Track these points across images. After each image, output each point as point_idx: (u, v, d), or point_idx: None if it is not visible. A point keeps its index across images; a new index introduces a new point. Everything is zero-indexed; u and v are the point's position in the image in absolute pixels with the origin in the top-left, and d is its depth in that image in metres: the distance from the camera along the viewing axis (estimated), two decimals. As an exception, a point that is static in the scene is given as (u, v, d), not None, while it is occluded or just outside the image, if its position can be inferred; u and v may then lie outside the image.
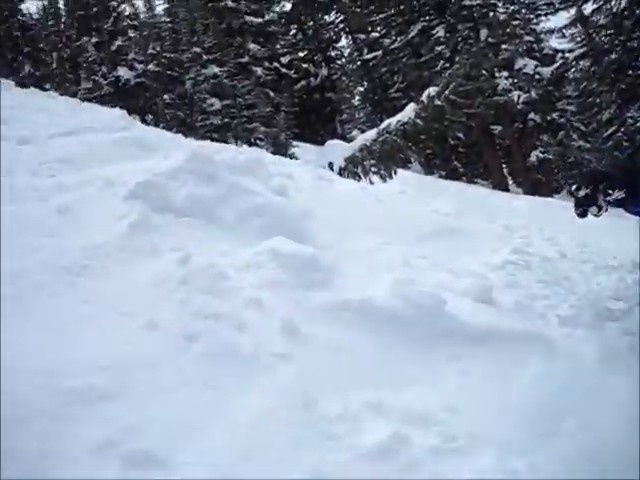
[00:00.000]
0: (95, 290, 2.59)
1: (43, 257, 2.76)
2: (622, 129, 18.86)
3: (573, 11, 19.15)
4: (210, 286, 2.66)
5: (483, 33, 21.91)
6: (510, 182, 23.63)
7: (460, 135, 22.86)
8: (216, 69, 20.44)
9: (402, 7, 24.48)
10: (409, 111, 13.44)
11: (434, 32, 23.23)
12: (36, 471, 1.69)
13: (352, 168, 11.69)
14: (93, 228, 3.14)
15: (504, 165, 24.41)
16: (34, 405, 1.88)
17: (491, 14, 22.41)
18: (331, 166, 12.14)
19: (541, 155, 23.11)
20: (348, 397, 2.12)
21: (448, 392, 2.30)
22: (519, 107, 21.85)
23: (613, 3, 17.37)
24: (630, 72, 17.62)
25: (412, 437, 1.97)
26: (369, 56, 27.59)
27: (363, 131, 16.88)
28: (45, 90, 14.75)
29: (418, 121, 15.22)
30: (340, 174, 11.71)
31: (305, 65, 28.47)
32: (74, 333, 2.28)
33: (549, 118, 22.97)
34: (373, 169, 11.77)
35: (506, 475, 1.92)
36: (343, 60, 31.12)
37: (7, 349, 2.03)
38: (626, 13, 17.20)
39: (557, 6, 20.05)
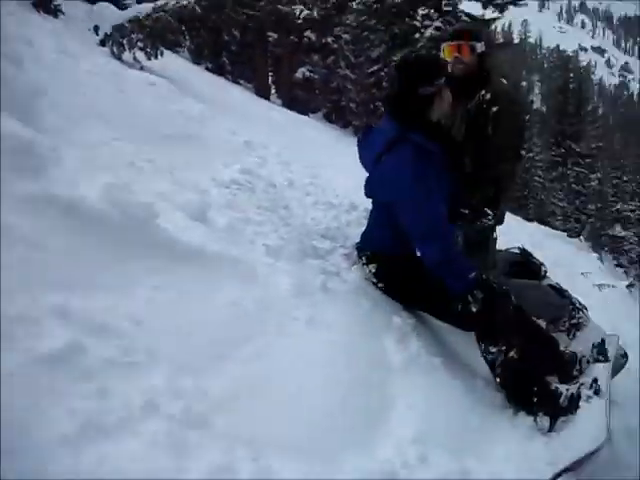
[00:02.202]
0: None
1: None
2: (385, 69, 20.00)
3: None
4: None
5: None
6: (273, 91, 23.91)
7: (236, 33, 22.55)
8: None
9: None
10: (190, -6, 12.95)
11: None
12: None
13: (118, 37, 11.01)
14: None
15: (271, 74, 24.57)
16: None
17: None
18: (96, 30, 11.33)
19: (307, 73, 23.66)
20: (35, 298, 2.03)
21: (137, 305, 2.31)
22: (299, 22, 21.96)
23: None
24: (406, 19, 18.47)
25: (89, 347, 1.99)
26: None
27: (140, 2, 15.80)
28: None
29: (197, 8, 14.79)
30: (103, 42, 10.99)
31: None
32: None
33: (324, 40, 23.48)
34: (140, 44, 11.24)
35: (172, 393, 2.05)
36: None
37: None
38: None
39: None
